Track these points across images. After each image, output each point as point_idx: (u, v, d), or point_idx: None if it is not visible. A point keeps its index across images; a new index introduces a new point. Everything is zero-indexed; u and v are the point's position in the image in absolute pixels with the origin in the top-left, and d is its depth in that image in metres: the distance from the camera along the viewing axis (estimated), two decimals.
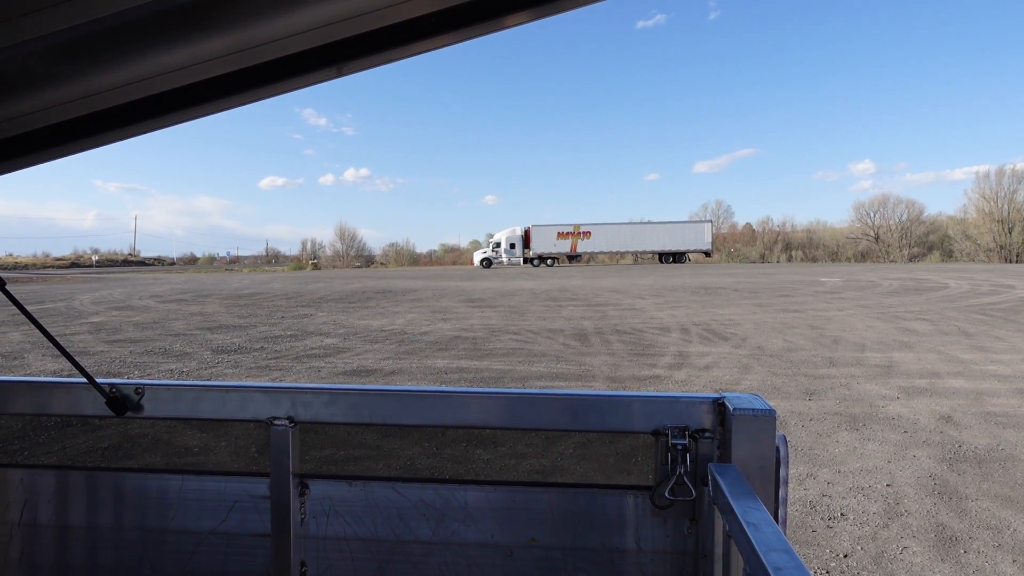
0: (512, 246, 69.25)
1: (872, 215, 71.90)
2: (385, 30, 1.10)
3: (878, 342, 11.84)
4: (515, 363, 10.36)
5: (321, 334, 14.28)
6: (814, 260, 70.07)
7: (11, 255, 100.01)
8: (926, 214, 69.97)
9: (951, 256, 62.18)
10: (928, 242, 66.40)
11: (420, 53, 1.13)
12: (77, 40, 1.10)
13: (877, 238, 69.37)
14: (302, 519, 1.68)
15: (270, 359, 11.01)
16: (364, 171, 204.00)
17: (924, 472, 5.32)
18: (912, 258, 63.76)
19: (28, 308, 1.37)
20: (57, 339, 1.41)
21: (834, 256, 70.66)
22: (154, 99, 1.23)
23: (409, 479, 1.67)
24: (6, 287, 1.30)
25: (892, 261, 62.98)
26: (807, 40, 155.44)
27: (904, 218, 69.05)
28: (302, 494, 1.68)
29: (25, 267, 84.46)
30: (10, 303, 1.37)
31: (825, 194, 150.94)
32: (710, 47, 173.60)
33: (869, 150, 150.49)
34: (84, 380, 1.58)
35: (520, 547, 1.62)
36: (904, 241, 66.27)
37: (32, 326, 1.48)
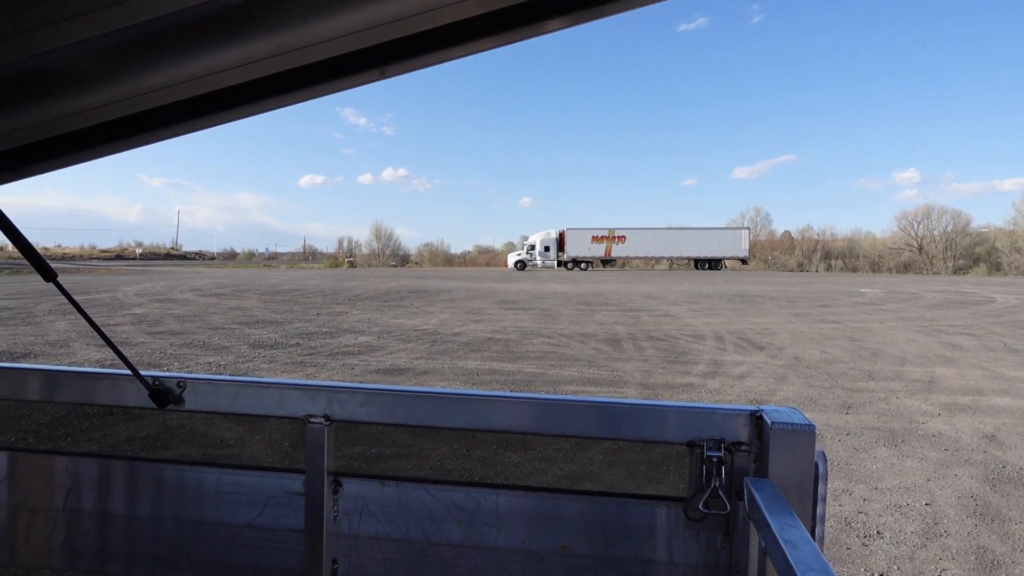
0: (546, 249, 69.16)
1: (916, 225, 70.08)
2: (427, 33, 1.10)
3: (920, 356, 11.53)
4: (547, 366, 10.34)
5: (355, 332, 14.44)
6: (854, 270, 68.52)
7: (60, 246, 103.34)
8: (973, 225, 68.06)
9: (999, 269, 60.18)
10: (974, 254, 64.35)
11: (461, 56, 1.14)
12: (127, 41, 1.13)
13: (920, 249, 67.56)
14: (335, 517, 1.70)
15: (305, 355, 11.16)
16: (402, 171, 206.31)
17: (965, 492, 5.16)
18: (957, 270, 61.91)
19: (75, 298, 1.41)
20: (103, 330, 1.45)
21: (875, 266, 69.00)
22: (201, 99, 1.25)
23: (441, 481, 1.68)
24: (57, 279, 1.34)
25: (936, 273, 61.28)
26: (851, 45, 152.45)
27: (949, 229, 67.15)
28: (335, 492, 1.69)
29: (72, 258, 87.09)
30: (60, 294, 1.41)
31: (867, 203, 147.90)
32: (752, 51, 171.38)
33: (914, 158, 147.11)
34: (128, 372, 1.62)
35: (551, 554, 1.61)
36: (949, 252, 64.39)
37: (80, 316, 1.52)
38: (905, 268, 66.32)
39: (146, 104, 1.26)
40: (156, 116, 1.29)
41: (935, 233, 67.77)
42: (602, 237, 69.27)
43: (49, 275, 1.32)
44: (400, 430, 1.75)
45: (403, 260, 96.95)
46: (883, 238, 76.91)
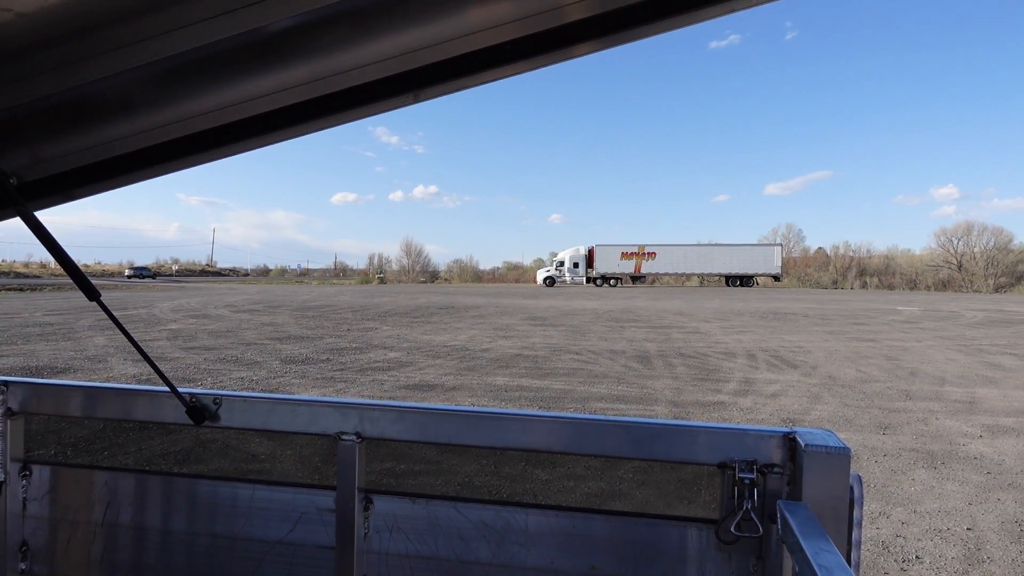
0: (575, 265, 69.04)
1: (955, 242, 68.50)
2: (460, 58, 1.13)
3: (959, 376, 11.23)
4: (576, 383, 10.29)
5: (385, 347, 14.53)
6: (890, 288, 67.04)
7: (99, 263, 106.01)
8: (1015, 242, 66.24)
9: None
10: (1017, 272, 62.51)
11: (493, 80, 1.15)
12: (171, 70, 1.18)
13: (960, 266, 65.93)
14: (365, 534, 1.71)
15: (335, 371, 11.26)
16: (432, 188, 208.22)
17: (1009, 517, 5.00)
18: (998, 288, 60.23)
19: (115, 315, 1.45)
20: (143, 348, 1.49)
21: (912, 284, 67.42)
22: (240, 124, 1.29)
23: (470, 499, 1.68)
24: (100, 299, 1.38)
25: (976, 291, 59.67)
26: (889, 60, 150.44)
27: (991, 246, 65.46)
28: (366, 509, 1.71)
29: (112, 275, 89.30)
30: (100, 310, 1.45)
31: (904, 220, 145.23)
32: (785, 67, 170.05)
33: (953, 174, 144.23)
34: (166, 389, 1.66)
35: (580, 575, 1.60)
36: (990, 270, 62.67)
37: (118, 331, 1.56)
38: (944, 286, 64.70)
39: (188, 129, 1.30)
40: (197, 141, 1.33)
41: (975, 250, 66.14)
42: (632, 254, 68.93)
43: (93, 294, 1.36)
44: (429, 446, 1.76)
45: (432, 276, 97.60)
46: (921, 255, 75.32)
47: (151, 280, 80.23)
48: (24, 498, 1.89)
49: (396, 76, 1.17)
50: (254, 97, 1.23)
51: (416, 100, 1.20)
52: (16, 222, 1.37)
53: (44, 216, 1.33)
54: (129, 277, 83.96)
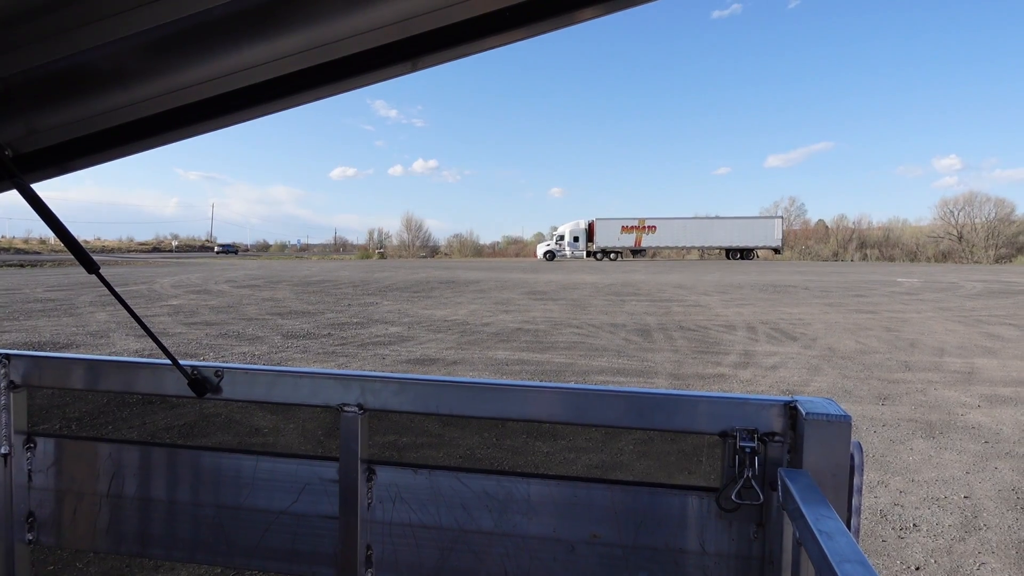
0: (576, 239, 68.94)
1: (956, 213, 68.18)
2: (460, 25, 1.11)
3: (959, 347, 11.27)
4: (576, 357, 10.33)
5: (386, 322, 14.57)
6: (891, 259, 66.95)
7: (99, 239, 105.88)
8: (1017, 213, 65.97)
9: None
10: (1017, 243, 62.32)
11: (494, 47, 1.14)
12: (165, 39, 1.16)
13: (960, 238, 65.74)
14: (368, 504, 1.72)
15: (336, 345, 11.30)
16: (432, 162, 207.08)
17: (1006, 485, 5.05)
18: (999, 259, 60.14)
19: (113, 287, 1.44)
20: (143, 321, 1.49)
21: (913, 256, 67.29)
22: (236, 94, 1.27)
23: (473, 469, 1.69)
24: (99, 271, 1.37)
25: (976, 262, 59.60)
26: (891, 30, 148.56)
27: (992, 217, 65.21)
28: (369, 479, 1.72)
29: (111, 251, 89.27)
30: (101, 285, 1.45)
31: (905, 191, 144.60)
32: (788, 37, 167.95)
33: (955, 144, 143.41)
34: (168, 361, 1.66)
35: (582, 543, 1.62)
36: (990, 241, 62.50)
37: (119, 307, 1.56)
38: (944, 257, 64.59)
39: (183, 100, 1.28)
40: (193, 111, 1.31)
41: (976, 221, 65.86)
42: (632, 227, 68.77)
43: (92, 267, 1.36)
44: (431, 420, 1.77)
45: (433, 251, 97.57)
46: (921, 227, 75.10)
47: (234, 255, 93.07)
48: (29, 470, 1.91)
49: (394, 44, 1.15)
50: (250, 66, 1.21)
51: (415, 68, 1.18)
52: (14, 197, 1.36)
53: (42, 192, 1.32)
54: (217, 253, 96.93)
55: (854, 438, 1.39)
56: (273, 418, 4.81)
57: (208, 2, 1.03)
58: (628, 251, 69.82)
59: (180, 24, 1.09)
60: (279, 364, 9.54)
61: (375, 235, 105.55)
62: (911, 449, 5.91)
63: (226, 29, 1.15)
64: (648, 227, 68.84)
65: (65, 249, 1.38)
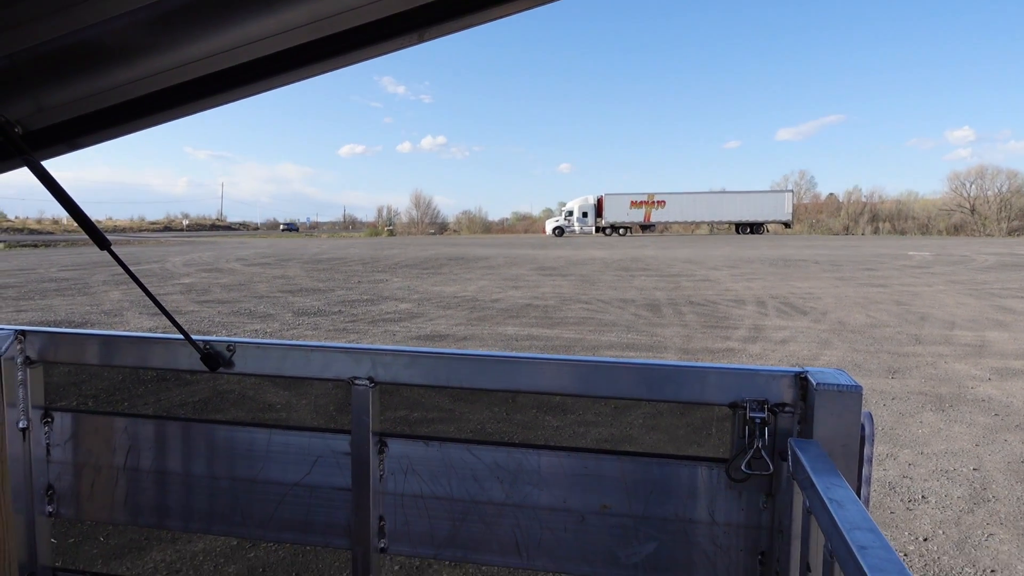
0: (584, 215, 68.58)
1: (968, 186, 67.37)
2: None
3: (969, 320, 11.20)
4: (585, 332, 10.35)
5: (396, 299, 14.62)
6: (903, 233, 66.36)
7: (111, 218, 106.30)
8: None
9: None
10: None
11: (500, 17, 1.13)
12: (169, 13, 1.15)
13: (973, 210, 65.00)
14: (381, 476, 1.74)
15: (347, 322, 11.37)
16: (441, 139, 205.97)
17: (1016, 457, 5.05)
18: (1012, 232, 59.47)
19: (125, 263, 1.46)
20: (155, 296, 1.50)
21: (924, 229, 66.64)
22: (243, 68, 1.27)
23: (484, 441, 1.71)
24: (111, 248, 1.38)
25: (989, 235, 58.96)
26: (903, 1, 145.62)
27: (1004, 189, 64.39)
28: (381, 452, 1.74)
29: (123, 230, 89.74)
30: (114, 264, 1.46)
31: (918, 163, 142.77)
32: (799, 9, 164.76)
33: (969, 116, 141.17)
34: (181, 337, 1.68)
35: (592, 513, 1.64)
36: (1003, 214, 61.77)
37: (132, 285, 1.58)
38: (956, 230, 63.92)
39: (189, 74, 1.28)
40: (199, 86, 1.31)
41: (989, 194, 65.11)
42: (641, 202, 68.32)
43: (103, 243, 1.37)
44: (442, 395, 1.78)
45: (441, 228, 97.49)
46: (934, 199, 74.33)
47: (295, 232, 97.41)
48: (47, 444, 1.94)
49: (400, 15, 1.14)
50: (255, 40, 1.21)
51: (421, 40, 1.17)
52: (27, 177, 1.36)
53: (54, 171, 1.32)
54: (283, 231, 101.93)
55: (865, 408, 1.39)
56: (286, 394, 4.86)
57: None
58: (637, 226, 69.46)
59: None
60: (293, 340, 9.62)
61: (384, 212, 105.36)
62: (921, 422, 5.91)
63: (231, 2, 1.14)
64: (657, 202, 68.37)
65: (78, 229, 1.40)
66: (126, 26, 1.17)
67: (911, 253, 30.24)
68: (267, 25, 1.18)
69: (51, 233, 68.44)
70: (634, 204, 68.24)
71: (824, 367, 1.50)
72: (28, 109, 1.31)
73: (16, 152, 1.27)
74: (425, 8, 1.13)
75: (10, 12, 1.07)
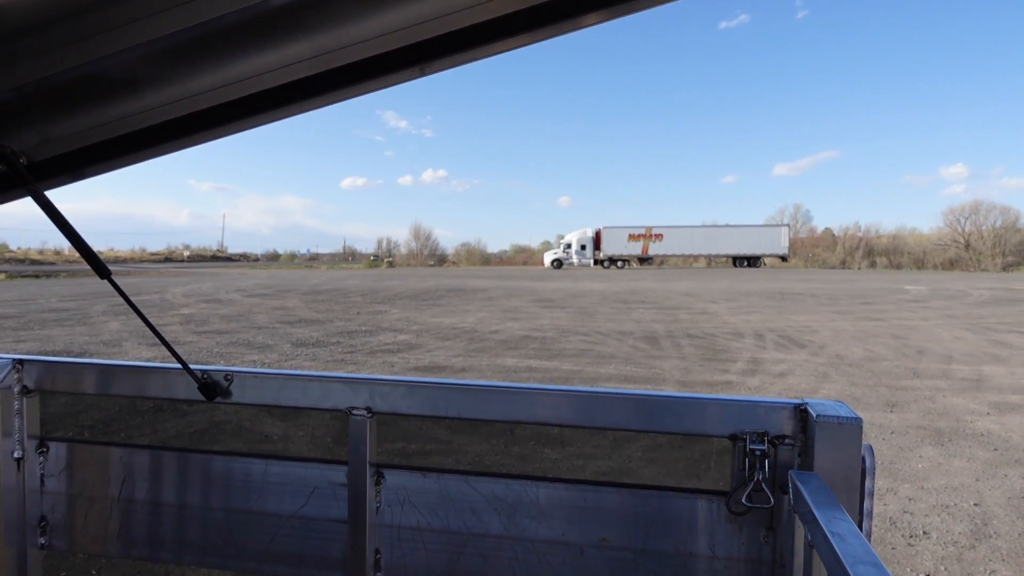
0: (583, 247, 68.87)
1: (963, 221, 67.89)
2: (466, 30, 1.12)
3: (967, 354, 11.18)
4: (584, 364, 10.31)
5: (394, 330, 14.59)
6: (898, 267, 66.53)
7: (112, 249, 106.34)
8: (1023, 220, 65.56)
9: None
10: None
11: (500, 52, 1.15)
12: (176, 46, 1.18)
13: (967, 245, 65.34)
14: (377, 508, 1.73)
15: (345, 353, 11.33)
16: (441, 172, 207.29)
17: (1016, 492, 5.00)
18: (1006, 267, 59.68)
19: (125, 293, 1.46)
20: (154, 325, 1.50)
21: (920, 264, 66.87)
22: (246, 100, 1.29)
23: (482, 473, 1.69)
24: (111, 277, 1.39)
25: (983, 270, 59.17)
26: (898, 40, 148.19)
27: (999, 225, 64.84)
28: (378, 483, 1.73)
29: (124, 260, 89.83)
30: (114, 295, 1.47)
31: (913, 199, 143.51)
32: (796, 47, 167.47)
33: (962, 153, 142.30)
34: (179, 366, 1.68)
35: (591, 546, 1.62)
36: (997, 249, 62.07)
37: (132, 316, 1.58)
38: (951, 265, 64.13)
39: (194, 107, 1.30)
40: (204, 118, 1.33)
41: (983, 229, 65.52)
42: (639, 235, 68.67)
43: (104, 273, 1.38)
44: (439, 426, 1.77)
45: (441, 260, 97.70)
46: (929, 235, 74.78)
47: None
48: (42, 474, 1.93)
49: (401, 49, 1.17)
50: (258, 73, 1.23)
51: (422, 74, 1.19)
52: (30, 208, 1.38)
53: (57, 202, 1.34)
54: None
55: (866, 441, 1.39)
56: (283, 424, 4.83)
57: (218, 10, 1.05)
58: (635, 259, 69.71)
59: (191, 32, 1.11)
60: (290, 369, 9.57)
61: (384, 244, 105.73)
62: (920, 456, 5.87)
63: (235, 36, 1.17)
64: (655, 235, 68.73)
65: (79, 259, 1.41)
66: (134, 59, 1.19)
67: (907, 287, 30.31)
68: (270, 59, 1.20)
69: (52, 263, 68.47)
70: (632, 237, 68.60)
71: (823, 399, 1.50)
72: (34, 140, 1.33)
73: (20, 182, 1.28)
74: (426, 43, 1.15)
75: (22, 44, 1.09)
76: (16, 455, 1.90)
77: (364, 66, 1.20)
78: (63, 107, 1.29)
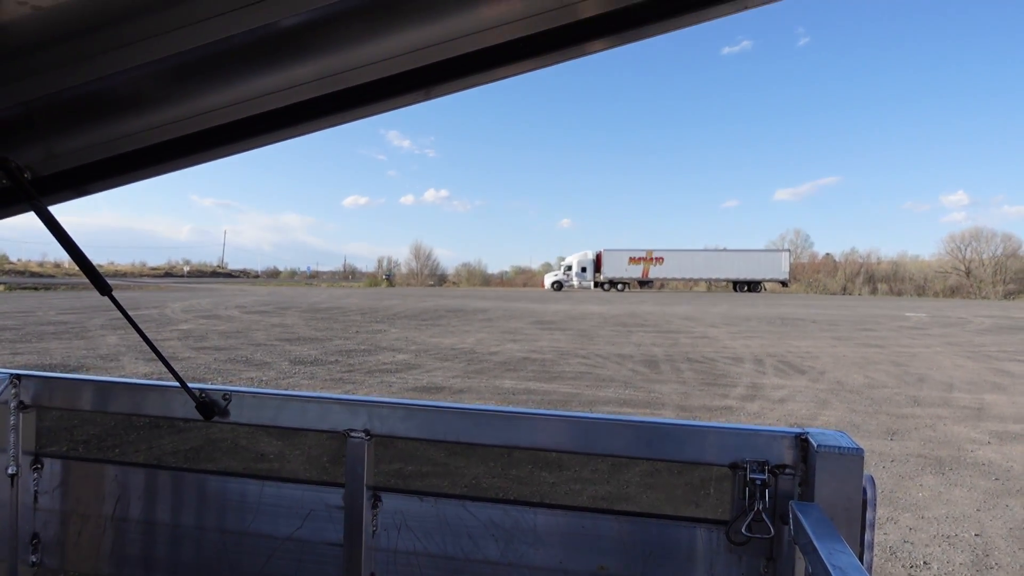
0: (583, 270, 68.95)
1: (964, 248, 68.12)
2: (472, 55, 1.13)
3: (968, 382, 11.14)
4: (583, 387, 10.27)
5: (393, 350, 14.55)
6: (899, 294, 66.61)
7: (112, 263, 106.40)
8: None
9: None
10: None
11: (505, 77, 1.16)
12: (184, 65, 1.18)
13: (968, 273, 65.47)
14: (374, 531, 1.71)
15: (344, 372, 11.28)
16: (444, 192, 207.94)
17: (1018, 523, 4.95)
18: (1007, 295, 59.73)
19: (125, 309, 1.46)
20: (154, 343, 1.50)
21: (920, 290, 66.94)
22: (252, 120, 1.30)
23: (479, 498, 1.68)
24: (112, 293, 1.39)
25: (984, 297, 59.24)
26: (899, 66, 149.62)
27: (999, 252, 65.03)
28: (375, 506, 1.71)
29: (124, 275, 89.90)
30: (112, 309, 1.46)
31: (913, 226, 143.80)
32: (797, 73, 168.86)
33: (963, 180, 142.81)
34: (176, 384, 1.67)
35: (589, 574, 1.60)
36: (998, 277, 62.18)
37: (130, 330, 1.57)
38: (952, 292, 64.21)
39: (200, 125, 1.31)
40: (208, 137, 1.34)
41: (984, 257, 65.72)
42: (639, 258, 68.81)
43: (104, 289, 1.38)
44: (436, 448, 1.76)
45: (441, 279, 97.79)
46: (930, 261, 74.94)
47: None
48: (36, 491, 1.91)
49: (407, 73, 1.17)
50: (264, 94, 1.24)
51: (427, 97, 1.20)
52: (31, 220, 1.38)
53: (59, 215, 1.34)
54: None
55: (867, 471, 1.38)
56: (279, 443, 4.79)
57: (224, 31, 1.05)
58: (635, 282, 69.78)
59: (198, 52, 1.12)
60: (286, 389, 9.54)
61: (384, 263, 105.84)
62: (921, 485, 5.82)
63: (243, 57, 1.17)
64: (656, 258, 68.88)
65: (78, 272, 1.41)
66: (141, 77, 1.20)
67: (908, 314, 30.30)
68: (277, 80, 1.21)
69: (52, 276, 68.48)
70: (632, 260, 68.72)
71: (824, 427, 1.49)
72: (39, 155, 1.34)
73: (24, 197, 1.29)
74: (432, 67, 1.16)
75: (31, 60, 1.10)
76: (10, 471, 1.88)
77: (370, 88, 1.21)
78: (69, 123, 1.30)
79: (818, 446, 1.39)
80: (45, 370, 1.99)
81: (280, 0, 1.00)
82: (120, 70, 1.13)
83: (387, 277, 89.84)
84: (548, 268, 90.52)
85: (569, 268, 69.76)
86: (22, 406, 1.90)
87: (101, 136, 1.32)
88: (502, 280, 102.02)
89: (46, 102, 1.22)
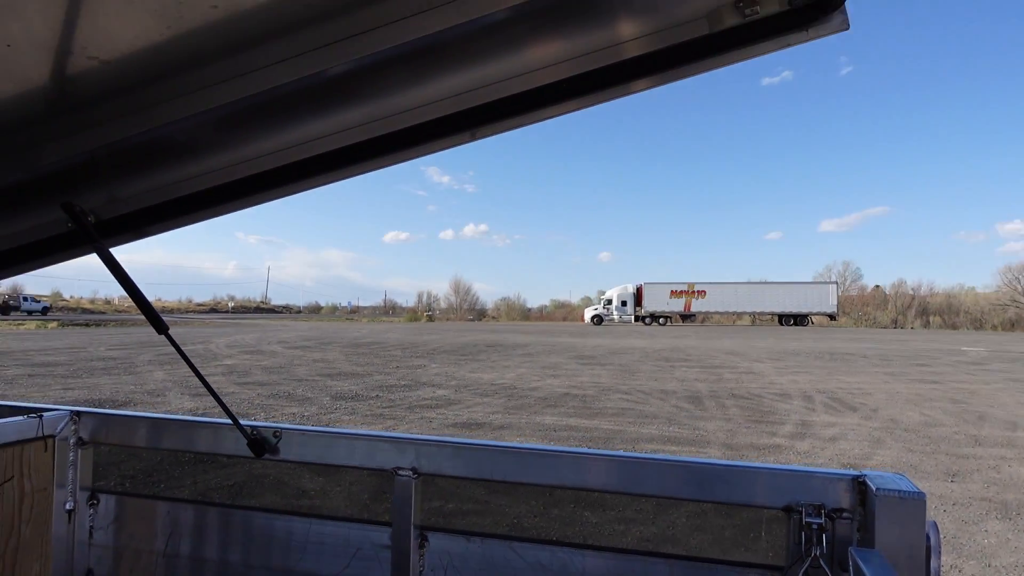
0: (623, 303, 68.47)
1: (1022, 280, 65.61)
2: (518, 96, 1.14)
3: None
4: (625, 424, 10.11)
5: (433, 385, 14.59)
6: (954, 327, 64.32)
7: (159, 299, 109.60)
8: None
9: None
10: None
11: (551, 117, 1.17)
12: (237, 113, 1.23)
13: None
14: (421, 572, 1.69)
15: (384, 407, 11.33)
16: (483, 227, 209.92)
17: None
18: None
19: (181, 348, 1.49)
20: (208, 381, 1.53)
21: (978, 324, 64.49)
22: (302, 164, 1.33)
23: (526, 539, 1.65)
24: (168, 332, 1.43)
25: None
26: (947, 93, 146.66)
27: None
28: (421, 546, 1.69)
29: (171, 311, 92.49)
30: (159, 345, 1.50)
31: (967, 256, 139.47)
32: (841, 102, 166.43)
33: (1020, 209, 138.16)
34: (228, 421, 1.69)
35: None
36: None
37: (177, 366, 1.60)
38: (1012, 326, 61.66)
39: (251, 170, 1.35)
40: (260, 181, 1.38)
41: None
42: (681, 292, 68.07)
43: (161, 328, 1.41)
44: (477, 486, 1.74)
45: (480, 314, 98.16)
46: (986, 293, 72.40)
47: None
48: (91, 526, 1.94)
49: (453, 116, 1.19)
50: (314, 138, 1.27)
51: (473, 138, 1.22)
52: (87, 259, 1.43)
53: (115, 252, 1.39)
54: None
55: (930, 517, 1.31)
56: (321, 480, 4.81)
57: (276, 80, 1.09)
58: (677, 316, 68.96)
59: (251, 100, 1.16)
60: (328, 425, 9.59)
61: (424, 298, 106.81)
62: (986, 531, 5.53)
63: (293, 104, 1.21)
64: (698, 292, 68.05)
65: (128, 309, 1.45)
66: (197, 125, 1.25)
67: (965, 349, 29.21)
68: (325, 125, 1.24)
69: (103, 313, 70.83)
70: (674, 293, 68.02)
71: (881, 469, 1.43)
72: (101, 199, 1.39)
73: (88, 240, 1.34)
74: (477, 109, 1.18)
75: (97, 110, 1.15)
76: (68, 507, 1.92)
77: (416, 131, 1.23)
78: (130, 169, 1.35)
79: (877, 489, 1.33)
80: (95, 405, 2.04)
81: (329, 50, 1.04)
82: (177, 119, 1.18)
83: (428, 313, 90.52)
84: (588, 302, 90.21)
85: (609, 302, 69.38)
86: (81, 442, 1.95)
87: (159, 181, 1.37)
88: (541, 314, 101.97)
89: (108, 150, 1.28)
